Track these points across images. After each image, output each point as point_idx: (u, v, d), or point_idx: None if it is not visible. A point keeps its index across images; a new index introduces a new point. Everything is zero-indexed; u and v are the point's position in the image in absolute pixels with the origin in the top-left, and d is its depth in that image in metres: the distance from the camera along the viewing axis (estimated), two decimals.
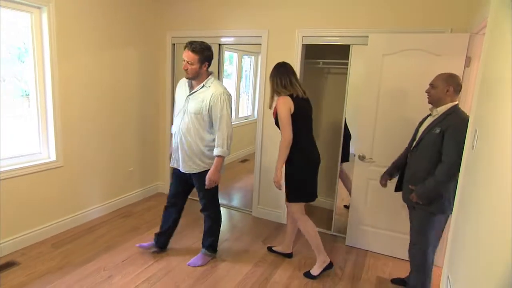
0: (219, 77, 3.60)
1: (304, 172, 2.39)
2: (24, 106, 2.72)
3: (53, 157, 2.81)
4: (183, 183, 2.52)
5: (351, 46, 2.87)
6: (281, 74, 2.37)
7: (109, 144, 3.31)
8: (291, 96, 2.31)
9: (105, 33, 3.10)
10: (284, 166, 2.35)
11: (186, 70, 2.24)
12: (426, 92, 2.11)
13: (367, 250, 2.90)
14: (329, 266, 2.50)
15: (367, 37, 2.67)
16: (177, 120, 2.39)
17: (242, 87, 5.39)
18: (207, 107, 2.26)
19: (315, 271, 2.47)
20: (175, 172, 2.52)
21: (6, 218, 2.53)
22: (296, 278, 2.45)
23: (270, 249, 2.82)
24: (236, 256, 2.71)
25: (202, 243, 2.64)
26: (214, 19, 3.42)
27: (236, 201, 4.04)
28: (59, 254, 2.61)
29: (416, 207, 2.14)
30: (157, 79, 3.78)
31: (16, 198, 2.57)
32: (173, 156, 2.47)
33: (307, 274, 2.49)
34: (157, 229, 2.70)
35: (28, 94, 2.69)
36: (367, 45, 2.68)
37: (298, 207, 2.44)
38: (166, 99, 3.82)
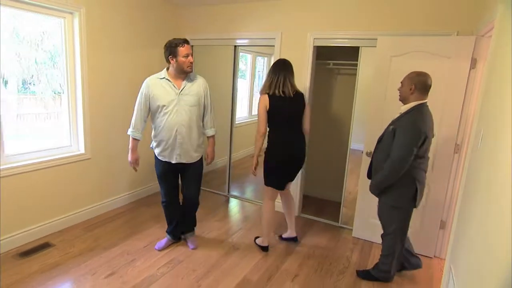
0: (234, 76, 3.64)
1: (272, 163, 2.53)
2: (56, 104, 2.83)
3: (82, 150, 2.93)
4: (175, 177, 2.52)
5: (360, 48, 2.87)
6: (272, 73, 2.47)
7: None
8: (268, 94, 2.42)
9: (130, 35, 3.19)
10: (259, 154, 2.56)
11: (191, 63, 2.28)
12: (398, 89, 2.11)
13: (372, 242, 2.91)
14: (264, 248, 2.68)
15: (376, 39, 2.67)
16: (172, 117, 2.28)
17: (255, 86, 5.43)
18: (203, 97, 2.40)
19: (258, 241, 2.75)
20: (166, 169, 2.42)
21: (43, 204, 2.66)
22: (305, 267, 2.49)
23: (280, 237, 2.87)
24: (249, 245, 2.76)
25: (191, 227, 2.70)
26: (230, 22, 3.46)
27: (248, 194, 4.09)
28: (89, 237, 2.72)
29: (378, 199, 2.20)
30: None
31: (51, 186, 2.70)
32: (176, 152, 2.35)
33: (255, 239, 2.80)
34: None
35: (60, 93, 2.81)
36: (375, 47, 2.68)
37: (268, 191, 2.60)
38: None
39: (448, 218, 2.63)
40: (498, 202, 1.27)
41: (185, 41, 2.25)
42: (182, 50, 2.22)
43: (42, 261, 2.36)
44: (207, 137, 2.53)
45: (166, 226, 2.70)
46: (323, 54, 3.31)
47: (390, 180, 2.02)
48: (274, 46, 3.25)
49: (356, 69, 2.94)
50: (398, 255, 2.26)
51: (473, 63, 2.38)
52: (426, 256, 2.73)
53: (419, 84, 1.96)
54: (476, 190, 1.67)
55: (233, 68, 3.61)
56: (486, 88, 1.82)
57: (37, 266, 2.30)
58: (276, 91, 2.41)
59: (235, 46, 3.54)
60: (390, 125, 2.09)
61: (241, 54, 3.99)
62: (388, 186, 2.07)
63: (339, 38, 2.96)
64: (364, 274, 2.38)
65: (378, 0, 2.74)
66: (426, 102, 2.01)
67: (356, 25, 2.85)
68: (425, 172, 2.09)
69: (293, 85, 2.46)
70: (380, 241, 2.85)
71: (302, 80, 3.10)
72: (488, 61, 1.89)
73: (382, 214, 2.22)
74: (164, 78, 2.31)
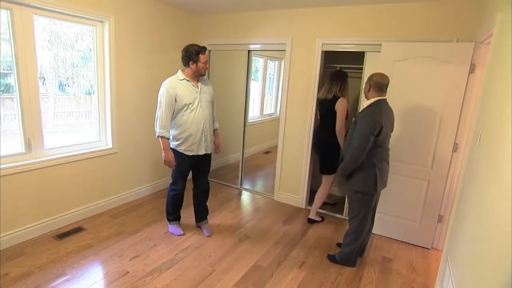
0: (247, 79, 3.70)
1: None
2: (87, 103, 2.95)
3: (109, 145, 3.04)
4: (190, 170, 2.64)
5: (365, 53, 2.89)
6: (326, 79, 2.89)
7: (154, 135, 3.50)
8: (318, 96, 2.97)
9: (153, 40, 3.28)
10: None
11: (207, 68, 2.46)
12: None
13: (374, 233, 2.93)
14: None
15: (380, 45, 2.68)
16: (198, 112, 2.40)
17: (266, 88, 5.47)
18: (212, 96, 2.58)
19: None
20: (191, 162, 2.51)
21: (75, 192, 2.79)
22: (311, 256, 2.52)
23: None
24: (259, 234, 2.82)
25: (205, 215, 2.81)
26: (244, 28, 3.51)
27: (259, 187, 4.15)
28: (116, 223, 2.84)
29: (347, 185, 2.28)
30: None
31: (82, 177, 2.82)
32: (204, 144, 2.49)
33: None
34: (191, 208, 2.86)
35: (90, 94, 2.92)
36: (380, 52, 2.69)
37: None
38: None
39: (445, 212, 2.64)
40: (493, 198, 1.29)
41: (206, 49, 2.38)
42: (203, 57, 2.36)
43: (76, 242, 2.48)
44: (214, 130, 2.68)
45: (182, 214, 2.76)
46: (330, 58, 3.33)
47: (352, 165, 2.13)
48: (285, 51, 3.29)
49: (362, 72, 2.96)
50: (362, 239, 2.32)
51: (472, 68, 2.37)
52: (424, 248, 2.74)
53: (373, 83, 2.11)
54: (473, 186, 1.69)
55: (247, 71, 3.66)
56: (485, 92, 1.83)
57: (72, 247, 2.42)
58: (320, 94, 2.90)
59: (248, 50, 3.59)
60: (354, 117, 2.21)
61: (253, 58, 4.04)
62: (354, 172, 2.17)
63: (346, 44, 2.98)
64: (332, 258, 2.46)
65: (383, 8, 2.75)
66: (385, 98, 2.13)
67: (362, 31, 2.87)
68: (386, 161, 2.19)
69: (331, 92, 2.80)
70: (381, 232, 2.90)
71: (311, 83, 3.14)
72: (487, 66, 1.89)
73: (349, 198, 2.31)
74: (184, 79, 2.41)
